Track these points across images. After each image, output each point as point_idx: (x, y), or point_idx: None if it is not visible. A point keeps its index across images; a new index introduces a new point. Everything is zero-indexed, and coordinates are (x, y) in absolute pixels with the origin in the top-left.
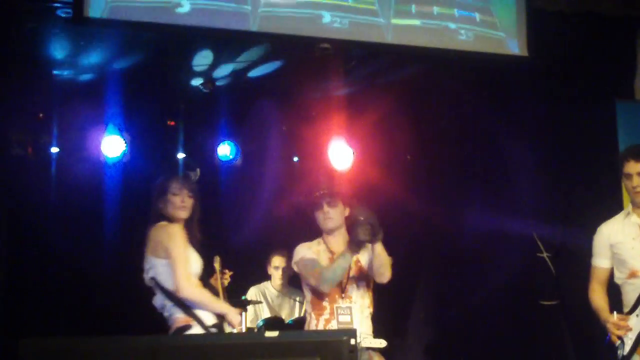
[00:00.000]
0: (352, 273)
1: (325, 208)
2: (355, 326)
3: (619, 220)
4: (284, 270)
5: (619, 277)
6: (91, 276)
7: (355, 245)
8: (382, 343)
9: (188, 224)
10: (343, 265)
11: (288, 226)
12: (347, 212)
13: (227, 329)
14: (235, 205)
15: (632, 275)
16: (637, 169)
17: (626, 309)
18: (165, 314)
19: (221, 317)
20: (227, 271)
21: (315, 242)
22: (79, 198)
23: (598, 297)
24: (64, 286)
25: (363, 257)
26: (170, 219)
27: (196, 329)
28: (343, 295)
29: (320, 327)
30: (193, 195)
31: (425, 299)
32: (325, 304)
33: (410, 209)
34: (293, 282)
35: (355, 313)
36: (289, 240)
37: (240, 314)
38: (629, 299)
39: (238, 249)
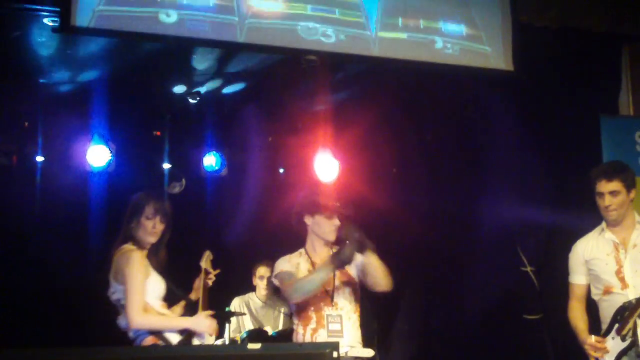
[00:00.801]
0: (337, 281)
1: (336, 220)
2: (344, 334)
3: (594, 237)
4: (269, 280)
5: (595, 294)
6: (75, 287)
7: (340, 261)
8: (369, 353)
9: (155, 247)
10: (321, 277)
11: (274, 236)
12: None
13: (197, 342)
14: (221, 215)
15: (607, 291)
16: (609, 189)
17: (603, 325)
18: (131, 335)
19: (188, 333)
20: (212, 270)
21: (296, 253)
22: (64, 207)
23: (576, 316)
24: (47, 297)
25: (352, 266)
26: (138, 241)
27: None
28: (332, 303)
29: (307, 337)
30: (165, 220)
31: (409, 311)
32: (311, 313)
33: (395, 222)
34: (278, 293)
35: (343, 321)
36: (274, 250)
37: (214, 317)
38: (605, 316)
39: (223, 259)
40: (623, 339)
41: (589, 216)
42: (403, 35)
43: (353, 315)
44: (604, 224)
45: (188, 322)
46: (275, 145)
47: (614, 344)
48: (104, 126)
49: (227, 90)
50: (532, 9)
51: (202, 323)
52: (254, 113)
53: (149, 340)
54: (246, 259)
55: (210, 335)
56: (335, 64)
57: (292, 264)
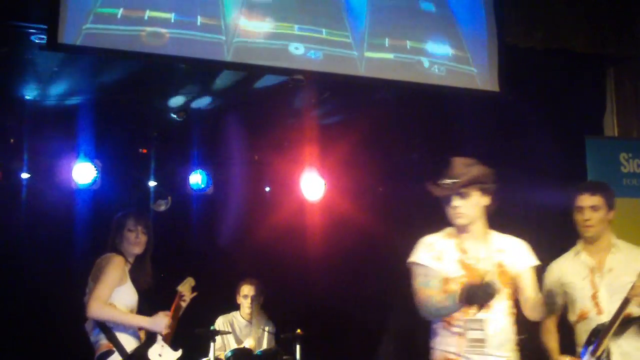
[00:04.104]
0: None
1: (455, 202)
2: (490, 340)
3: (569, 258)
4: (252, 299)
5: (571, 317)
6: (59, 304)
7: (470, 301)
8: None
9: (140, 259)
10: (453, 310)
11: (259, 255)
12: (486, 201)
13: (156, 349)
14: (206, 233)
15: (582, 316)
16: (590, 202)
17: (579, 349)
18: (92, 339)
19: (146, 340)
20: (187, 293)
21: (444, 232)
22: (50, 224)
23: (549, 338)
24: (30, 314)
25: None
26: (123, 253)
27: (116, 356)
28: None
29: (453, 344)
30: (147, 232)
31: (395, 332)
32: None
33: (381, 241)
34: (263, 311)
35: (493, 322)
36: (258, 269)
37: (171, 318)
38: (581, 339)
39: (207, 277)
40: None
41: (572, 236)
42: (390, 56)
43: (504, 314)
44: (579, 246)
45: (145, 321)
46: (261, 163)
47: None
48: (90, 143)
49: (213, 108)
50: (518, 30)
51: (160, 322)
52: (240, 131)
53: (104, 346)
54: (231, 277)
55: (163, 334)
56: (322, 83)
57: (439, 249)
